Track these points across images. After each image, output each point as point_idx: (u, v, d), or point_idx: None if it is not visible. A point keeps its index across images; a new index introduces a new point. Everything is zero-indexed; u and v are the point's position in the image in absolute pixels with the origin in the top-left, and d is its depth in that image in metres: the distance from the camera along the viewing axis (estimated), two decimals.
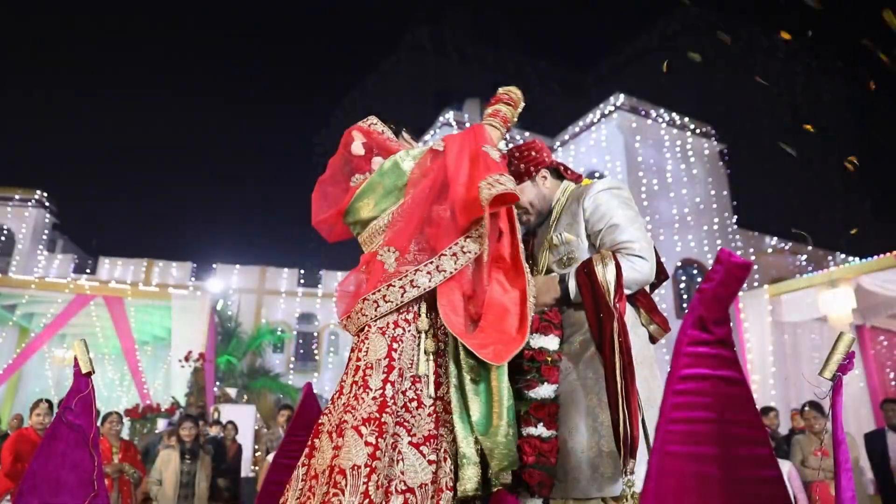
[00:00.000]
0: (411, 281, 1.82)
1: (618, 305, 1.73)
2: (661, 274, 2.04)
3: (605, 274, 1.78)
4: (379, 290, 1.83)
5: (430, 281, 1.82)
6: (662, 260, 2.09)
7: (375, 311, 1.83)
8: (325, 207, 2.11)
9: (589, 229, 2.01)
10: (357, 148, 2.06)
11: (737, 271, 1.29)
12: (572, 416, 1.83)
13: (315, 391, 2.93)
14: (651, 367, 1.95)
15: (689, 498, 1.24)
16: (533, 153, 2.21)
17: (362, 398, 1.73)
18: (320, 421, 1.88)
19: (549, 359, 1.85)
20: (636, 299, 1.99)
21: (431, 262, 1.83)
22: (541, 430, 1.79)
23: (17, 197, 18.28)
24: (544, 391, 1.83)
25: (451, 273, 1.82)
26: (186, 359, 10.51)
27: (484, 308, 1.82)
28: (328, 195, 2.12)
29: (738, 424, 1.25)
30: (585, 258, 1.96)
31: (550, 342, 1.87)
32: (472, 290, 1.86)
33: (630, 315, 1.92)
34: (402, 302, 1.82)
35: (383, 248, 1.87)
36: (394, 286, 1.82)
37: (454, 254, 1.84)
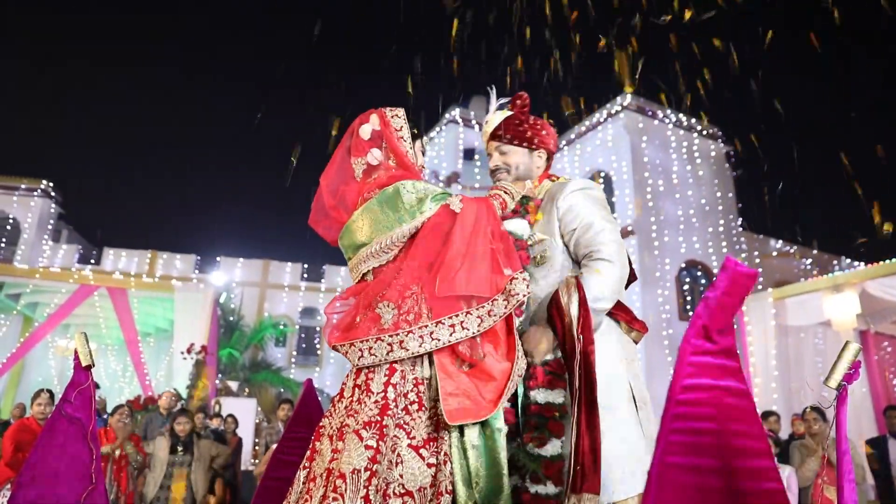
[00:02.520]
0: (401, 342, 1.74)
1: (581, 337, 1.72)
2: (630, 276, 2.03)
3: (570, 305, 1.78)
4: (366, 342, 1.77)
5: (420, 346, 1.73)
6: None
7: (359, 360, 1.78)
8: (320, 213, 2.05)
9: (562, 229, 2.01)
10: (365, 132, 2.01)
11: (742, 280, 1.27)
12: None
13: (316, 386, 2.93)
14: (631, 363, 1.96)
15: None
16: (544, 132, 2.22)
17: (364, 402, 1.72)
18: (321, 423, 1.87)
19: (558, 413, 1.81)
20: (615, 314, 2.00)
21: (426, 327, 1.74)
22: (549, 489, 1.74)
23: (22, 186, 18.34)
24: (552, 448, 1.78)
25: (444, 344, 1.73)
26: (189, 351, 10.54)
27: (475, 367, 1.76)
28: (324, 197, 2.04)
29: (741, 436, 1.24)
30: (559, 258, 1.98)
31: (557, 396, 1.83)
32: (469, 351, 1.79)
33: (605, 322, 1.93)
34: (386, 360, 1.74)
35: (383, 303, 1.80)
36: (382, 341, 1.75)
37: (452, 325, 1.74)
